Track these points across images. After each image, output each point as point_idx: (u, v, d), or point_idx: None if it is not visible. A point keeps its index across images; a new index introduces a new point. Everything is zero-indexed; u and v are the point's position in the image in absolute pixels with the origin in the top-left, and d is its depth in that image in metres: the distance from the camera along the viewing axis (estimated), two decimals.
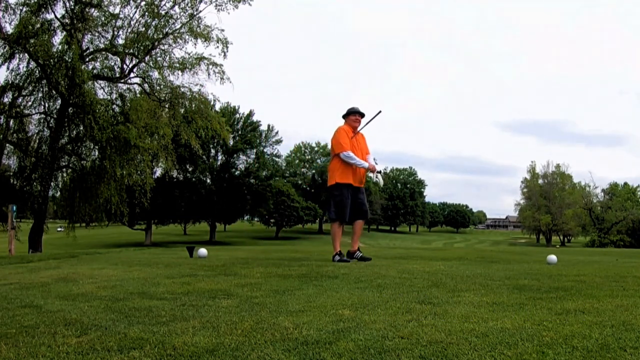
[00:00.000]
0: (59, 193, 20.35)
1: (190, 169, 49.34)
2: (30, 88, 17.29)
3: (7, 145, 17.82)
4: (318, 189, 71.32)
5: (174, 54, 17.64)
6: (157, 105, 18.10)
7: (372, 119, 6.43)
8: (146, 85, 18.03)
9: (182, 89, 18.10)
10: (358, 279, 4.24)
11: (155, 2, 17.01)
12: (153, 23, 17.18)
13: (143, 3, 17.09)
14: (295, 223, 62.67)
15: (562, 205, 70.45)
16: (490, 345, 2.02)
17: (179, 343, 2.10)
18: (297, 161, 75.86)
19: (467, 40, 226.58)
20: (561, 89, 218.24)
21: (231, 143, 47.67)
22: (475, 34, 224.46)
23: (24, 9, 15.87)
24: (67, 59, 15.82)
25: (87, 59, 17.45)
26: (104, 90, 18.56)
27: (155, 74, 17.82)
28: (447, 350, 1.95)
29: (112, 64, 18.13)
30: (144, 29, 17.14)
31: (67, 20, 16.58)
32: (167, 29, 17.39)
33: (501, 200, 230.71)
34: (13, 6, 15.93)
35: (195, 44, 19.05)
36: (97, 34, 17.47)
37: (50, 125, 18.16)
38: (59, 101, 17.48)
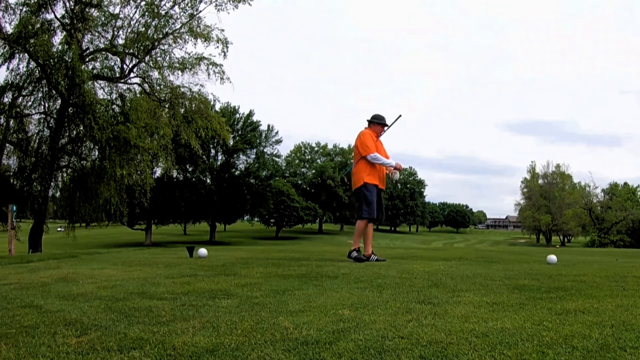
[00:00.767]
0: (59, 193, 20.34)
1: (190, 169, 49.31)
2: (30, 88, 17.28)
3: (7, 145, 17.81)
4: (318, 189, 71.31)
5: (174, 54, 17.64)
6: (157, 105, 18.09)
7: (392, 123, 6.67)
8: (146, 85, 18.02)
9: (182, 89, 18.09)
10: (358, 279, 4.24)
11: (155, 2, 17.00)
12: (153, 23, 17.17)
13: (143, 3, 17.09)
14: (295, 223, 62.64)
15: (562, 205, 70.41)
16: (490, 345, 2.02)
17: (179, 343, 2.10)
18: (297, 161, 75.82)
19: (467, 40, 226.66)
20: (561, 89, 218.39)
21: (231, 143, 47.63)
22: (475, 33, 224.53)
23: (24, 9, 15.86)
24: (67, 59, 15.81)
25: (87, 59, 17.44)
26: (104, 90, 18.57)
27: (155, 74, 17.82)
28: (447, 350, 1.95)
29: (112, 64, 18.14)
30: (144, 29, 17.14)
31: (67, 20, 16.57)
32: (167, 29, 17.38)
33: (501, 200, 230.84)
34: (13, 6, 15.94)
35: (195, 44, 19.06)
36: (97, 34, 17.47)
37: (50, 125, 18.15)
38: (59, 101, 17.47)
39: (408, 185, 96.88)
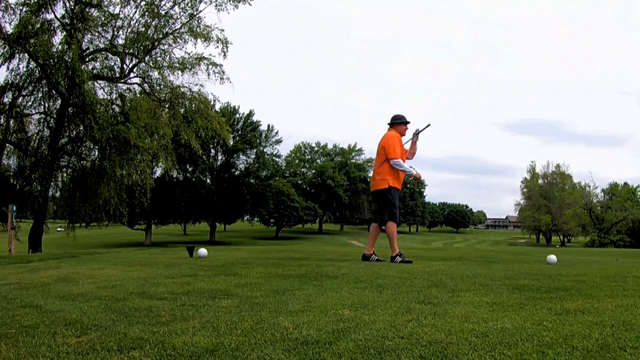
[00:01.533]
0: (59, 193, 20.33)
1: (190, 169, 49.29)
2: (30, 88, 17.28)
3: (7, 145, 17.81)
4: (318, 189, 71.29)
5: (174, 54, 17.64)
6: (157, 105, 18.09)
7: (422, 130, 6.79)
8: (146, 85, 18.02)
9: (182, 89, 18.09)
10: (358, 279, 4.24)
11: (155, 2, 16.99)
12: (153, 23, 17.17)
13: (143, 3, 17.09)
14: (295, 223, 62.61)
15: (562, 205, 70.38)
16: (490, 345, 2.02)
17: (179, 343, 2.10)
18: (297, 161, 75.76)
19: (467, 40, 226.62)
20: (561, 89, 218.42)
21: (231, 143, 47.60)
22: (475, 33, 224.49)
23: (24, 9, 15.86)
24: (67, 59, 15.80)
25: (87, 59, 17.44)
26: (104, 90, 18.57)
27: (155, 74, 17.81)
28: (447, 350, 1.95)
29: (112, 64, 18.13)
30: (144, 29, 17.14)
31: (67, 20, 16.57)
32: (167, 29, 17.37)
33: (501, 200, 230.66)
34: (13, 6, 15.93)
35: (195, 44, 19.06)
36: (97, 34, 17.46)
37: (50, 125, 18.15)
38: (59, 101, 17.47)
39: (408, 185, 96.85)
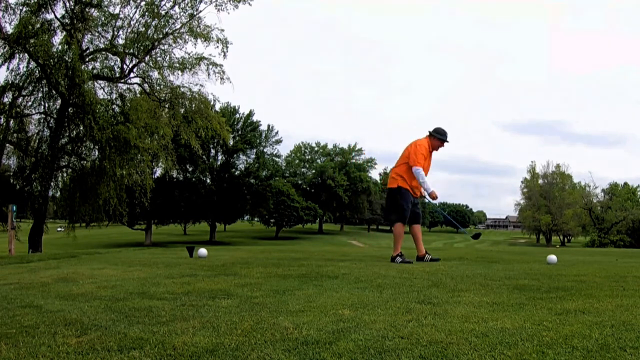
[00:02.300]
0: (59, 193, 20.33)
1: (190, 169, 49.30)
2: (30, 88, 17.27)
3: (7, 145, 17.80)
4: (318, 189, 71.31)
5: (174, 54, 17.64)
6: (157, 105, 18.08)
7: (471, 235, 7.20)
8: (146, 85, 18.02)
9: (182, 89, 18.09)
10: (358, 279, 4.24)
11: (155, 2, 16.99)
12: (153, 23, 17.16)
13: (143, 3, 17.08)
14: (295, 223, 62.63)
15: (562, 205, 70.36)
16: (490, 345, 2.02)
17: (179, 343, 2.10)
18: (297, 161, 75.77)
19: (467, 40, 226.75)
20: (561, 89, 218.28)
21: (231, 143, 47.61)
22: (475, 34, 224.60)
23: (24, 9, 15.85)
24: (67, 59, 15.80)
25: (87, 59, 17.43)
26: (104, 90, 18.55)
27: (155, 74, 17.81)
28: (447, 350, 1.95)
29: (112, 64, 18.13)
30: (144, 29, 17.13)
31: (67, 20, 16.57)
32: (167, 29, 17.37)
33: (501, 200, 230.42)
34: (13, 6, 15.93)
35: (195, 44, 19.06)
36: (97, 34, 17.46)
37: (50, 125, 18.14)
38: (59, 101, 17.46)
39: None
